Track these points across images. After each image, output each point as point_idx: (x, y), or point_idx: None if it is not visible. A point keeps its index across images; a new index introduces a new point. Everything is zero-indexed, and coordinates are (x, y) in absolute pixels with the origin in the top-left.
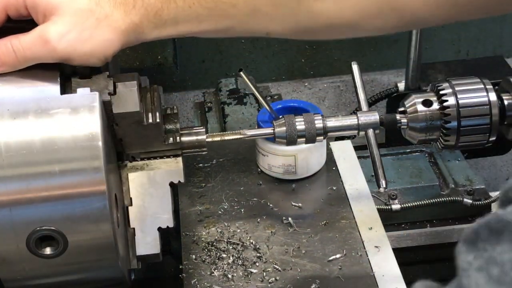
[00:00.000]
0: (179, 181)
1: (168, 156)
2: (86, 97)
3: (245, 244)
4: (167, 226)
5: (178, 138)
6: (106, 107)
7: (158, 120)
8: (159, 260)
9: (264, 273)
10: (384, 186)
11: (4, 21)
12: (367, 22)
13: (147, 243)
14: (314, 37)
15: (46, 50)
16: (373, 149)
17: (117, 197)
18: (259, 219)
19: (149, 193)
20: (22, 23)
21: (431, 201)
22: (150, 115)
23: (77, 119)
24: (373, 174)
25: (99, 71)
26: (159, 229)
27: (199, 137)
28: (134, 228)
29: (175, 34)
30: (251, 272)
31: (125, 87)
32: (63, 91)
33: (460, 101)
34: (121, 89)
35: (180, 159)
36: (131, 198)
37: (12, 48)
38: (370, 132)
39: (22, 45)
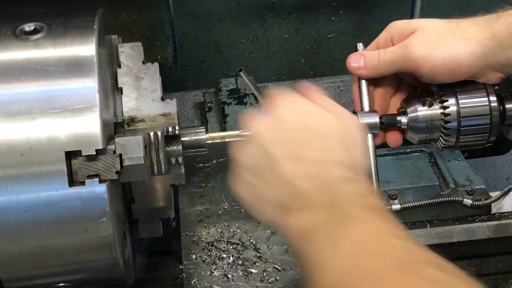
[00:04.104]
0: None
1: None
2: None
3: (245, 244)
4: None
5: (180, 159)
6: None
7: (163, 172)
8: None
9: (264, 273)
10: None
11: None
12: None
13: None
14: None
15: (403, 52)
16: (371, 161)
17: (125, 233)
18: (259, 219)
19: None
20: None
21: (431, 201)
22: (155, 168)
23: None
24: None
25: (104, 152)
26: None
27: (199, 137)
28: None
29: None
30: (251, 272)
31: (131, 161)
32: (71, 179)
33: (460, 101)
34: (127, 164)
35: (182, 167)
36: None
37: (378, 54)
38: (369, 138)
39: (386, 51)
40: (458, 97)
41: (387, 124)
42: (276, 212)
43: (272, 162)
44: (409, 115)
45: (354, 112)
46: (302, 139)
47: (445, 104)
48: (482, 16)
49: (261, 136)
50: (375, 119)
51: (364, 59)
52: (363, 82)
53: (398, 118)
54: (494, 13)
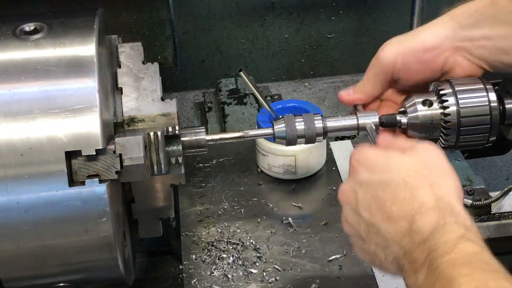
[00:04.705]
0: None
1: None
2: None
3: (245, 244)
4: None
5: (180, 159)
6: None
7: (163, 172)
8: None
9: (264, 273)
10: None
11: None
12: None
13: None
14: None
15: (376, 61)
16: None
17: (125, 233)
18: (259, 219)
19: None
20: None
21: None
22: (155, 168)
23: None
24: None
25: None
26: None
27: (199, 137)
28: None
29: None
30: (251, 272)
31: (131, 161)
32: (71, 179)
33: (460, 101)
34: (127, 164)
35: (182, 167)
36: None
37: (362, 79)
38: (369, 128)
39: (366, 72)
40: (458, 96)
41: (387, 123)
42: (396, 269)
43: (368, 226)
44: (409, 115)
45: (352, 113)
46: (384, 193)
47: (445, 104)
48: None
49: (349, 204)
50: (375, 118)
51: (352, 88)
52: (359, 107)
53: (398, 118)
54: None
